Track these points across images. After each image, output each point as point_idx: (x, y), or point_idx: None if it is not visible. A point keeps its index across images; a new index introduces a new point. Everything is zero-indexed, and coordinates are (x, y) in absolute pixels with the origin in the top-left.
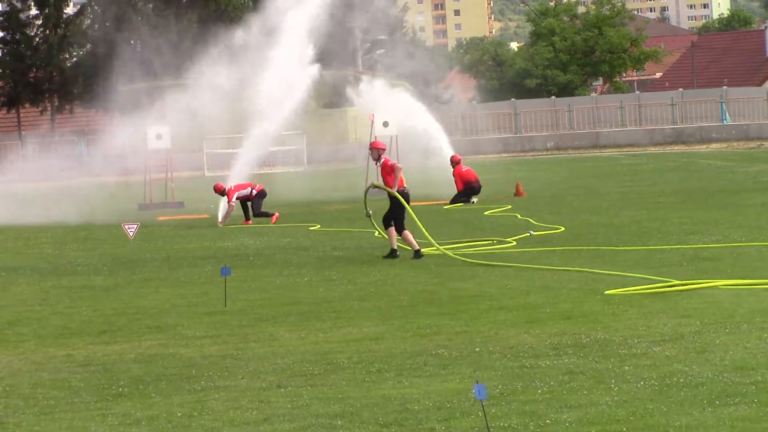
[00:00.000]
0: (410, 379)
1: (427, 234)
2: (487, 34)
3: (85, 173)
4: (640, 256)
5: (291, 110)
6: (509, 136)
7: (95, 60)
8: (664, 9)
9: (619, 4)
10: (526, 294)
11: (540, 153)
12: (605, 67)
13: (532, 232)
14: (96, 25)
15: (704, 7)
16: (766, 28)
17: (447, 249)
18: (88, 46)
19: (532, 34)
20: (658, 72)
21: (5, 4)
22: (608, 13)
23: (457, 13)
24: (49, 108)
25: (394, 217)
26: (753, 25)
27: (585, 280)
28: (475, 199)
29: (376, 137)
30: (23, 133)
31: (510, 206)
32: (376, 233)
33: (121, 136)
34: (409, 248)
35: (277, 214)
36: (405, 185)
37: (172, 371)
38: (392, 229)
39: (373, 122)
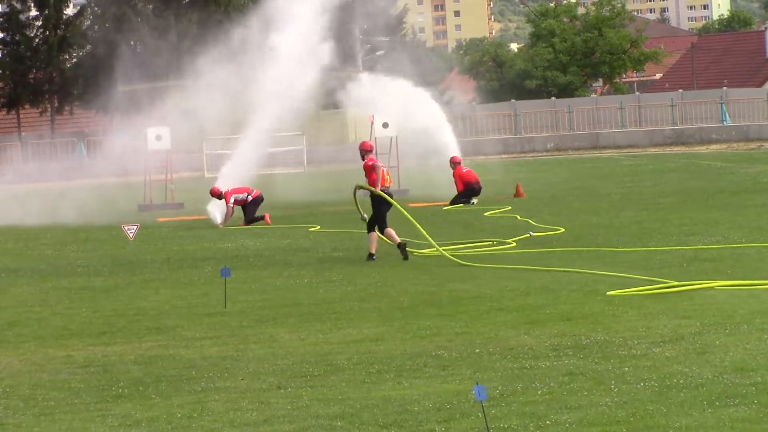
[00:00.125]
0: (410, 381)
1: (423, 231)
2: (487, 35)
3: (85, 174)
4: (641, 257)
5: (303, 91)
6: (509, 137)
7: (95, 61)
8: (664, 10)
9: (619, 5)
10: (525, 295)
11: (540, 154)
12: (605, 68)
13: (531, 233)
14: (96, 26)
15: (704, 8)
16: (766, 29)
17: (445, 249)
18: (88, 47)
19: (532, 35)
20: (658, 73)
21: (5, 5)
22: (608, 14)
23: (457, 14)
24: (48, 109)
25: (376, 217)
26: (753, 26)
27: (585, 281)
28: (475, 200)
29: (375, 138)
30: (23, 134)
31: (510, 207)
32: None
33: (121, 137)
34: (391, 243)
35: (266, 214)
36: (387, 184)
37: (172, 372)
38: (374, 234)
39: (372, 123)
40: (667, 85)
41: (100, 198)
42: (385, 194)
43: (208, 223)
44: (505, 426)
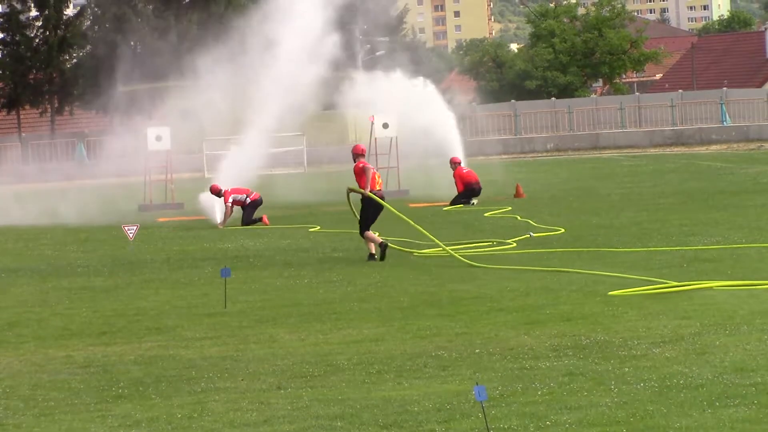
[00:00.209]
0: (410, 381)
1: (426, 233)
2: (487, 36)
3: (85, 174)
4: (640, 258)
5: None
6: (509, 137)
7: (95, 61)
8: (664, 10)
9: (619, 5)
10: (525, 295)
11: (540, 154)
12: (605, 69)
13: (532, 234)
14: (96, 27)
15: (704, 9)
16: (766, 29)
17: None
18: (88, 47)
19: (532, 35)
20: (658, 73)
21: (5, 6)
22: (608, 14)
23: (457, 14)
24: (49, 109)
25: (362, 218)
26: (753, 27)
27: (585, 281)
28: (475, 201)
29: (375, 139)
30: (23, 134)
31: (510, 208)
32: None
33: (121, 138)
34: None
35: (264, 216)
36: (378, 187)
37: (172, 373)
38: (370, 233)
39: (372, 124)
40: (667, 85)
41: (100, 198)
42: (376, 197)
43: (208, 224)
44: (505, 426)
